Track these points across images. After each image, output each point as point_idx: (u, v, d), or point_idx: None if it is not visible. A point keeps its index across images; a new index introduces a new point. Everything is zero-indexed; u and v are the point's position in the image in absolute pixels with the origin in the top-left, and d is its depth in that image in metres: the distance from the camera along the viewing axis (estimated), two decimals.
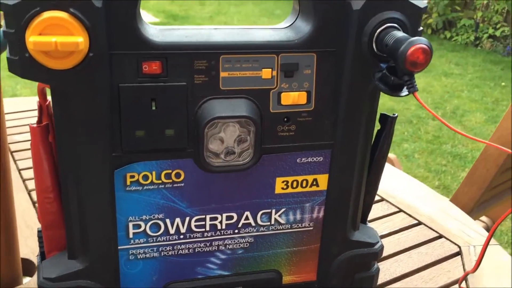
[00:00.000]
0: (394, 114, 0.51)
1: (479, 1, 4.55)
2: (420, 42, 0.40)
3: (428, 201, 0.76)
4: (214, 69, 0.43)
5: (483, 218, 1.34)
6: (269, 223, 0.50)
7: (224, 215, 0.49)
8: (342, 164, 0.50)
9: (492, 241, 0.68)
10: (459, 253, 0.65)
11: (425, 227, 0.70)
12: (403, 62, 0.40)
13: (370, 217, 0.71)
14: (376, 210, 0.74)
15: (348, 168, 0.50)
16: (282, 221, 0.51)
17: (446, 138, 2.98)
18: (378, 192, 0.76)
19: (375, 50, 0.44)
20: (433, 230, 0.69)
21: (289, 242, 0.52)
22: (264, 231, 0.51)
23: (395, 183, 0.81)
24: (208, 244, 0.50)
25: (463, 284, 0.60)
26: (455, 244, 0.67)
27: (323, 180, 0.50)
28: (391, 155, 1.76)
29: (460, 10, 4.67)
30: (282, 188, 0.49)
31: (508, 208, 1.32)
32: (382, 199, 0.76)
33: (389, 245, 0.66)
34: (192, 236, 0.49)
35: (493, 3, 4.49)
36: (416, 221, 0.71)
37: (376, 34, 0.44)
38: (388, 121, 0.51)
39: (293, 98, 0.46)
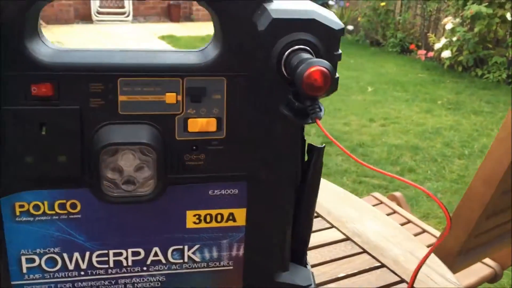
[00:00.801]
0: (322, 145, 0.47)
1: (511, 39, 4.44)
2: (320, 64, 0.37)
3: (397, 242, 0.70)
4: (111, 93, 0.41)
5: (490, 262, 1.24)
6: (182, 261, 0.46)
7: (130, 250, 0.45)
8: (260, 198, 0.46)
9: (459, 286, 0.61)
10: None
11: (387, 271, 0.64)
12: (300, 85, 0.37)
13: (329, 257, 0.67)
14: (338, 250, 0.69)
15: (267, 202, 0.46)
16: (196, 259, 0.47)
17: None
18: (343, 231, 0.72)
19: (285, 74, 0.41)
20: (395, 274, 0.63)
21: (207, 282, 0.48)
22: (176, 269, 0.47)
23: (365, 221, 0.75)
24: (113, 282, 0.46)
25: None
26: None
27: (240, 215, 0.46)
28: (396, 193, 1.69)
29: (492, 48, 4.56)
30: (194, 223, 0.45)
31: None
32: (347, 238, 0.71)
33: None
34: (94, 272, 0.45)
35: None
36: (379, 264, 0.66)
37: (284, 56, 0.40)
38: (314, 152, 0.47)
39: (201, 125, 0.43)
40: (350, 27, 6.34)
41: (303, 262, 0.52)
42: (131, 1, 6.59)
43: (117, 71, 0.40)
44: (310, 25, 0.40)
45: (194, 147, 0.43)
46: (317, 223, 0.75)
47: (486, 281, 1.24)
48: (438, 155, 3.06)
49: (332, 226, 0.74)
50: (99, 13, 6.42)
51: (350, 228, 0.74)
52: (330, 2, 6.65)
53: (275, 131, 0.44)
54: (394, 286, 0.61)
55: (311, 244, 0.69)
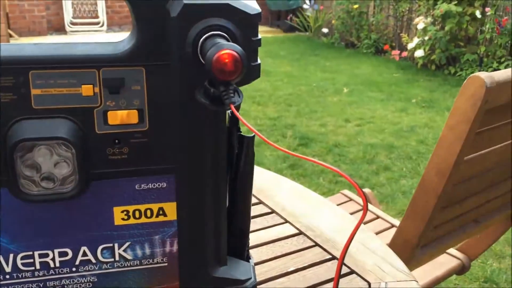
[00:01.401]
0: (251, 134, 0.47)
1: (482, 36, 4.51)
2: (229, 47, 0.36)
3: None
4: (23, 86, 0.39)
5: (458, 254, 1.25)
6: (113, 259, 0.45)
7: (56, 251, 0.44)
8: (189, 191, 0.45)
9: (409, 275, 0.61)
10: None
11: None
12: (210, 69, 0.36)
13: (280, 252, 0.66)
14: (290, 244, 0.68)
15: (197, 195, 0.45)
16: (128, 257, 0.45)
17: None
18: (297, 226, 0.71)
19: (202, 60, 0.40)
20: (346, 265, 0.63)
21: (142, 281, 0.46)
22: (108, 268, 0.45)
23: (320, 216, 0.75)
24: (41, 285, 0.44)
25: None
26: (365, 280, 0.60)
27: (171, 209, 0.45)
28: (366, 190, 1.69)
29: (463, 46, 4.63)
30: (123, 219, 0.44)
31: (479, 239, 1.23)
32: (300, 233, 0.70)
33: (292, 283, 0.60)
34: (20, 276, 0.44)
35: (496, 38, 4.44)
36: (330, 256, 0.65)
37: (200, 43, 0.40)
38: (244, 142, 0.46)
39: (122, 117, 0.42)
40: (325, 30, 6.39)
41: (243, 256, 0.51)
42: (105, 11, 6.55)
43: (28, 64, 0.39)
44: (225, 10, 0.40)
45: (117, 141, 0.42)
46: (270, 219, 0.74)
47: (454, 273, 1.24)
48: (413, 152, 3.09)
49: (286, 221, 0.73)
50: (72, 23, 6.37)
51: (303, 223, 0.73)
52: (305, 6, 6.69)
53: (199, 121, 0.43)
54: (344, 277, 0.61)
55: (263, 240, 0.69)
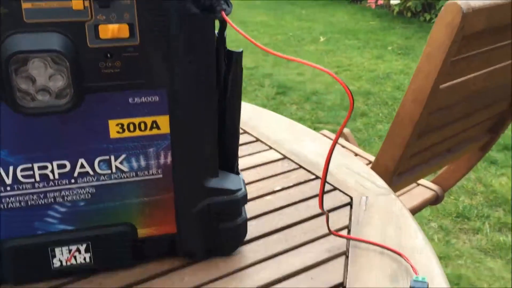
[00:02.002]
0: (239, 50, 0.48)
1: None
2: None
3: (332, 158, 0.73)
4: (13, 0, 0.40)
5: (432, 185, 1.31)
6: (110, 172, 0.47)
7: (55, 163, 0.45)
8: (181, 104, 0.46)
9: (389, 191, 0.65)
10: (349, 204, 0.62)
11: None
12: None
13: (265, 174, 0.69)
14: (275, 168, 0.71)
15: (189, 108, 0.47)
16: (125, 169, 0.47)
17: None
18: (281, 151, 0.74)
19: None
20: (329, 183, 0.66)
21: (138, 192, 0.49)
22: (105, 180, 0.47)
23: (303, 143, 0.78)
24: (42, 196, 0.46)
25: (345, 232, 0.57)
26: (348, 195, 0.64)
27: (164, 122, 0.47)
28: (345, 129, 1.73)
29: None
30: (118, 132, 0.46)
31: (451, 172, 1.28)
32: (285, 157, 0.73)
33: (278, 200, 0.63)
34: (20, 187, 0.45)
35: None
36: (314, 176, 0.68)
37: None
38: (233, 58, 0.48)
39: (113, 31, 0.43)
40: None
41: (233, 170, 0.54)
42: None
43: None
44: None
45: (108, 55, 0.43)
46: (255, 146, 0.77)
47: (429, 203, 1.31)
48: (389, 98, 3.14)
49: (270, 148, 0.76)
50: None
51: (287, 149, 0.76)
52: None
53: (189, 35, 0.44)
54: (327, 193, 0.64)
55: (248, 165, 0.71)
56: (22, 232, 0.47)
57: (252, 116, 0.86)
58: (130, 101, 0.45)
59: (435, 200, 1.28)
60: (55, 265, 0.49)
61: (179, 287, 0.49)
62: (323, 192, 0.49)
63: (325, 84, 3.34)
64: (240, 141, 0.78)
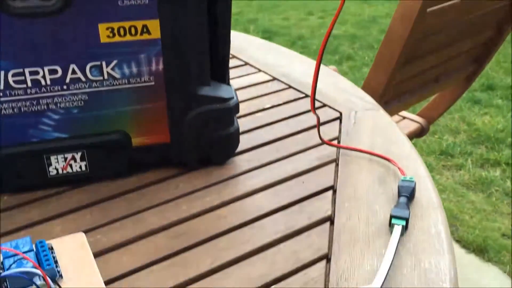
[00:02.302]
0: None
1: None
2: None
3: (321, 78, 0.73)
4: None
5: (417, 118, 1.33)
6: (101, 78, 0.47)
7: (46, 68, 0.45)
8: (171, 8, 0.46)
9: (377, 107, 0.66)
10: (339, 118, 0.63)
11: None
12: None
13: (256, 94, 0.69)
14: (265, 88, 0.71)
15: (179, 13, 0.46)
16: (116, 75, 0.48)
17: None
18: (271, 73, 0.74)
19: None
20: (318, 100, 0.67)
21: (131, 100, 0.49)
22: (98, 87, 0.48)
23: (292, 65, 0.78)
24: (34, 103, 0.46)
25: (335, 143, 0.58)
26: (337, 110, 0.65)
27: (154, 27, 0.46)
28: (331, 67, 1.73)
29: None
30: (108, 37, 0.46)
31: (436, 105, 1.30)
32: (274, 79, 0.74)
33: (269, 116, 0.64)
34: (13, 93, 0.45)
35: None
36: (303, 95, 0.69)
37: None
38: None
39: None
40: None
41: (225, 81, 0.54)
42: None
43: None
44: None
45: None
46: (244, 70, 0.77)
47: (415, 136, 1.33)
48: (374, 42, 3.12)
49: (260, 71, 0.76)
50: None
51: (277, 71, 0.76)
52: None
53: None
54: (317, 109, 0.65)
55: (239, 86, 0.72)
56: (18, 139, 0.47)
57: (241, 42, 0.86)
58: (119, 3, 0.45)
59: (420, 132, 1.31)
60: (51, 173, 0.49)
61: (174, 194, 0.50)
62: (314, 93, 0.50)
63: (310, 28, 3.31)
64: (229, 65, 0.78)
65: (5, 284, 0.35)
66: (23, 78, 0.45)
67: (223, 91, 0.52)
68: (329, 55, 2.94)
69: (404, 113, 1.32)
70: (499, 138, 2.09)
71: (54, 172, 0.49)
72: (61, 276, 0.38)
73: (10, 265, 0.35)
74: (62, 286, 0.37)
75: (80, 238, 0.42)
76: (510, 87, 2.49)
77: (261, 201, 0.49)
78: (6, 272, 0.34)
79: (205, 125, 0.52)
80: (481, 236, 1.58)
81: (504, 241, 1.57)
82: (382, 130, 0.60)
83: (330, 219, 0.47)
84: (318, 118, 0.54)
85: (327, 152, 0.57)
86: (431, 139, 2.12)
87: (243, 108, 0.65)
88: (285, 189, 0.51)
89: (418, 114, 1.34)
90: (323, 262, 0.42)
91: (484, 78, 2.56)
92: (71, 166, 0.50)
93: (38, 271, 0.32)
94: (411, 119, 1.31)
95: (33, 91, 0.46)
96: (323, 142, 0.56)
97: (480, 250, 1.54)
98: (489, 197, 1.77)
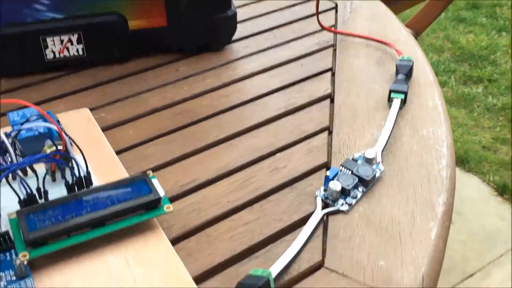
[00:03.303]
0: None
1: None
2: None
3: None
4: None
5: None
6: None
7: None
8: None
9: None
10: (335, 8, 0.63)
11: None
12: None
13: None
14: None
15: None
16: None
17: None
18: None
19: None
20: None
21: None
22: None
23: None
24: None
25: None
26: (332, 1, 0.64)
27: None
28: None
29: None
30: None
31: (424, 15, 1.30)
32: None
33: (265, 6, 0.63)
34: None
35: None
36: None
37: None
38: None
39: None
40: None
41: None
42: None
43: None
44: None
45: None
46: None
47: None
48: None
49: None
50: None
51: None
52: None
53: None
54: (310, 2, 0.64)
55: None
56: (12, 19, 0.46)
57: None
58: None
59: None
60: (48, 57, 0.49)
61: (175, 76, 0.50)
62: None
63: None
64: None
65: (19, 148, 0.35)
66: None
67: None
68: None
69: None
70: (482, 55, 2.11)
71: (51, 55, 0.49)
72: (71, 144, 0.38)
73: (20, 131, 0.35)
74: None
75: (86, 113, 0.43)
76: (494, 5, 2.47)
77: (261, 82, 0.50)
78: (24, 128, 0.35)
79: (201, 7, 0.51)
80: (462, 149, 1.63)
81: (484, 153, 1.62)
82: (378, 18, 0.60)
83: (330, 97, 0.48)
84: (318, 2, 0.53)
85: (325, 38, 0.57)
86: None
87: None
88: (284, 71, 0.51)
89: (406, 25, 1.33)
90: (325, 134, 0.43)
91: None
92: (67, 49, 0.49)
93: (54, 127, 0.32)
94: None
95: None
96: (321, 28, 0.56)
97: (461, 161, 1.59)
98: (471, 113, 1.81)
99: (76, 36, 0.48)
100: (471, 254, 1.25)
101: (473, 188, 1.51)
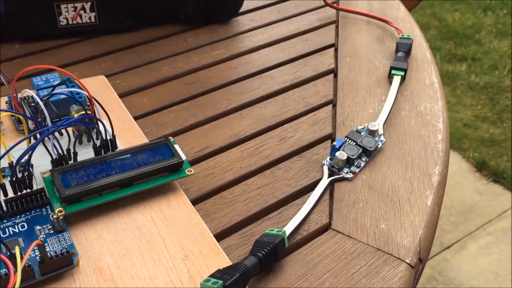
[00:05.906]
0: None
1: None
2: None
3: None
4: None
5: None
6: None
7: None
8: None
9: None
10: None
11: None
12: None
13: None
14: None
15: None
16: None
17: None
18: None
19: None
20: None
21: None
22: None
23: None
24: None
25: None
26: None
27: None
28: None
29: None
30: None
31: None
32: None
33: None
34: None
35: None
36: None
37: None
38: None
39: None
40: None
41: None
42: None
43: None
44: None
45: None
46: None
47: None
48: None
49: None
50: None
51: None
52: None
53: None
54: None
55: None
56: None
57: None
58: None
59: None
60: (61, 23, 0.50)
61: (184, 47, 0.52)
62: None
63: None
64: None
65: (43, 116, 0.37)
66: None
67: None
68: None
69: None
70: (467, 34, 2.14)
71: (64, 21, 0.50)
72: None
73: (45, 95, 0.37)
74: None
75: (102, 80, 0.44)
76: None
77: (268, 55, 0.52)
78: (57, 93, 0.36)
79: None
80: None
81: (465, 130, 1.67)
82: None
83: (334, 72, 0.50)
84: None
85: (327, 14, 0.59)
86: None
87: None
88: (289, 45, 0.54)
89: None
90: (330, 106, 0.46)
91: None
92: (80, 16, 0.50)
93: (84, 91, 0.34)
94: None
95: None
96: (325, 4, 0.58)
97: None
98: (454, 90, 1.85)
99: (89, 4, 0.50)
100: (448, 227, 1.31)
101: (453, 163, 1.57)
